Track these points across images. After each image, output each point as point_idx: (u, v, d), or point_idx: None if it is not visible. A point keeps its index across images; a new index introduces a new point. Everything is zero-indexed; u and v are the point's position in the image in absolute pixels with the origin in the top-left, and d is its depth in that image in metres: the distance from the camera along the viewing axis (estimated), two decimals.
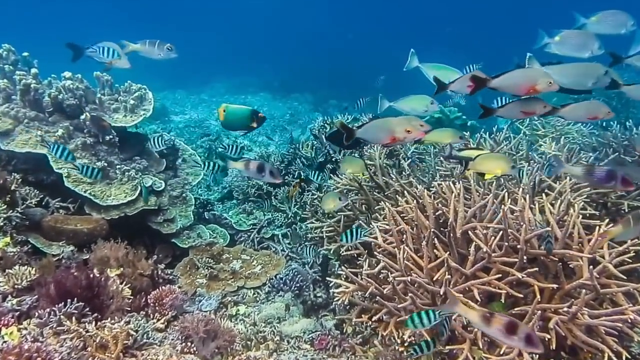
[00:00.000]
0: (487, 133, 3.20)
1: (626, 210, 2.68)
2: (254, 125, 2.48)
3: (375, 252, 2.28)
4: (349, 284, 2.19)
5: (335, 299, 2.27)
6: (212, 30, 17.88)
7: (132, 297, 2.24)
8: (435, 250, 2.13)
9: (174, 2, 21.04)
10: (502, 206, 2.12)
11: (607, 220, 2.19)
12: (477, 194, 2.40)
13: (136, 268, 2.36)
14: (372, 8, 19.15)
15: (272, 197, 3.73)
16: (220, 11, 20.04)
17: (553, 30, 2.46)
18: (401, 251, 2.10)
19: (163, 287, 2.33)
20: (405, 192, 2.51)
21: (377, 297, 2.10)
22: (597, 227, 2.08)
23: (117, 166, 2.99)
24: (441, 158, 3.05)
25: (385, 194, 2.87)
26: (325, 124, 3.90)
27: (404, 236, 2.24)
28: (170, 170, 3.39)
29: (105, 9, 19.67)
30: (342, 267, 2.20)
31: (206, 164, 2.65)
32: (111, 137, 3.01)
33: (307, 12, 18.72)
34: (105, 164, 2.94)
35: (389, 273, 2.10)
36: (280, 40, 15.39)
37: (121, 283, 2.26)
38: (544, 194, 2.48)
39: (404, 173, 3.03)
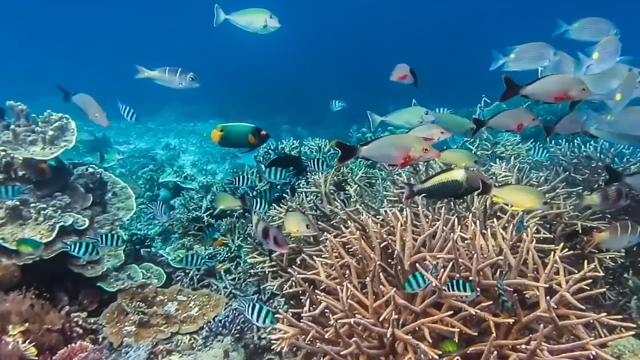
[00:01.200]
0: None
1: (580, 231, 2.57)
2: (255, 142, 2.47)
3: (316, 291, 2.06)
4: (288, 328, 1.95)
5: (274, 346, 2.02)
6: (164, 55, 17.52)
7: (37, 358, 1.92)
8: (382, 286, 1.93)
9: (124, 25, 20.67)
10: (452, 234, 1.95)
11: (561, 245, 2.05)
12: (426, 220, 2.23)
13: (43, 322, 2.05)
14: (328, 34, 19.30)
15: (213, 230, 3.47)
16: (174, 35, 19.76)
17: (506, 49, 2.40)
18: (344, 289, 1.88)
19: (74, 344, 2.03)
20: (349, 221, 2.32)
21: (319, 343, 1.87)
22: (552, 252, 1.93)
23: (32, 204, 2.67)
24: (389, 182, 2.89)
25: (331, 222, 2.67)
26: (269, 150, 3.69)
27: (348, 271, 2.03)
28: (97, 206, 3.08)
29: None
30: (279, 311, 1.97)
31: None
32: (24, 172, 2.70)
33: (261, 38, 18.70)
34: (17, 203, 2.62)
35: (331, 314, 1.87)
36: (235, 66, 15.19)
37: (25, 341, 1.95)
38: (495, 218, 2.33)
39: (351, 199, 2.85)
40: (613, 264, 2.56)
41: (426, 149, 1.97)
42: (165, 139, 7.99)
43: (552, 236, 2.50)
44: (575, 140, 3.35)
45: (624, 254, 2.54)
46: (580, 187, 2.77)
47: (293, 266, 2.44)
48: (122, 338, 2.53)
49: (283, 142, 3.75)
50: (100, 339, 2.55)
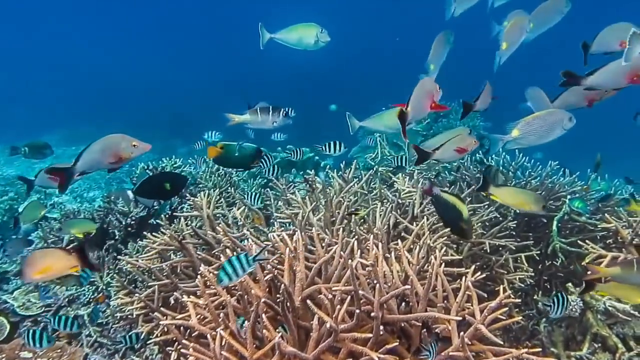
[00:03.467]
0: (335, 170, 2.77)
1: (488, 250, 2.38)
2: (256, 163, 2.39)
3: (184, 341, 1.63)
4: None
5: None
6: (45, 76, 16.08)
7: None
8: (265, 331, 1.54)
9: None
10: (350, 261, 1.62)
11: (472, 268, 1.80)
12: (322, 244, 1.89)
13: None
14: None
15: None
16: (57, 55, 18.30)
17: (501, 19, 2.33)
18: (216, 337, 1.48)
19: None
20: (229, 249, 1.92)
21: None
22: (463, 277, 1.67)
23: None
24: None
25: (214, 252, 2.25)
26: (147, 169, 3.19)
27: (224, 312, 1.62)
28: None
29: None
30: None
31: None
32: None
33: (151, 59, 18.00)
34: None
35: None
36: (125, 89, 14.30)
37: None
38: (399, 239, 2.05)
39: (238, 223, 2.45)
40: (521, 284, 2.39)
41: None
42: (40, 165, 7.06)
43: (460, 257, 2.28)
44: (477, 154, 3.24)
45: (533, 274, 2.37)
46: (486, 204, 2.60)
47: (162, 308, 1.99)
48: None
49: (164, 161, 3.27)
50: None
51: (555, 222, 2.61)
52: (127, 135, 2.01)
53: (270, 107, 2.35)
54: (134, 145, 1.99)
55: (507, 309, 1.62)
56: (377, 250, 1.75)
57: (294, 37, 2.56)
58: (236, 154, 2.33)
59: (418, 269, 1.79)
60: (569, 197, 2.68)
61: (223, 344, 1.49)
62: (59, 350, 2.34)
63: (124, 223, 3.00)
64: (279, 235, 1.78)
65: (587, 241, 2.34)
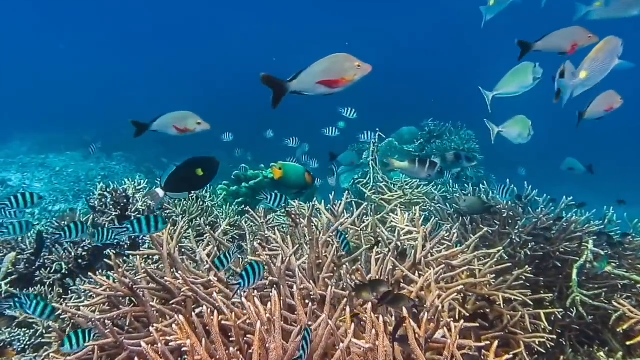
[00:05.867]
0: (323, 202, 2.37)
1: (501, 305, 2.00)
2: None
3: None
4: None
5: None
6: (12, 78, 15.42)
7: None
8: None
9: None
10: (342, 342, 1.23)
11: (494, 344, 1.42)
12: (303, 304, 1.49)
13: None
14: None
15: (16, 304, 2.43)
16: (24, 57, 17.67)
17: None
18: None
19: None
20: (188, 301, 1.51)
21: None
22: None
23: None
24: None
25: (172, 303, 1.83)
26: (106, 192, 2.72)
27: None
28: None
29: None
30: None
31: None
32: None
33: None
34: None
35: None
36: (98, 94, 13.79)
37: None
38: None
39: (203, 266, 2.04)
40: (540, 349, 2.01)
41: (358, 65, 1.72)
42: (3, 174, 6.50)
43: (467, 314, 1.90)
44: (482, 185, 2.88)
45: (554, 337, 2.00)
46: (500, 249, 2.22)
47: None
48: None
49: (126, 182, 2.82)
50: None
51: (575, 271, 2.24)
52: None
53: (428, 160, 2.50)
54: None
55: None
56: (375, 321, 1.35)
57: (516, 85, 2.44)
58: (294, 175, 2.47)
59: (425, 339, 1.41)
60: (590, 241, 2.33)
61: None
62: None
63: (73, 254, 2.55)
64: (248, 302, 1.37)
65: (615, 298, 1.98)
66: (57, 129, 9.77)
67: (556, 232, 2.60)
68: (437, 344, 1.48)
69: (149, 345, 1.29)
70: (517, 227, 2.61)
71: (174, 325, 1.41)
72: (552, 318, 2.40)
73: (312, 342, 1.35)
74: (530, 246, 2.54)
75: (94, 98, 13.40)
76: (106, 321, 1.74)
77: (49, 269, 2.52)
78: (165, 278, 1.88)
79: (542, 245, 2.59)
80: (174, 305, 1.80)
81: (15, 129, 9.78)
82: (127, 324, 1.86)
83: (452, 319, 1.52)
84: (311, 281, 1.78)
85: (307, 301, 1.61)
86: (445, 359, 1.24)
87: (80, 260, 2.59)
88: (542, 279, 2.55)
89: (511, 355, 1.48)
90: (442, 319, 1.54)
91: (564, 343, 2.41)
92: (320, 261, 2.01)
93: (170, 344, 1.39)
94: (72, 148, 8.73)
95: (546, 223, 2.61)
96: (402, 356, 1.37)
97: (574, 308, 2.32)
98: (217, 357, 1.27)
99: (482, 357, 1.43)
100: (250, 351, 1.27)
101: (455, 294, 1.80)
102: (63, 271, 2.51)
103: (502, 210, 2.67)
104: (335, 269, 1.97)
